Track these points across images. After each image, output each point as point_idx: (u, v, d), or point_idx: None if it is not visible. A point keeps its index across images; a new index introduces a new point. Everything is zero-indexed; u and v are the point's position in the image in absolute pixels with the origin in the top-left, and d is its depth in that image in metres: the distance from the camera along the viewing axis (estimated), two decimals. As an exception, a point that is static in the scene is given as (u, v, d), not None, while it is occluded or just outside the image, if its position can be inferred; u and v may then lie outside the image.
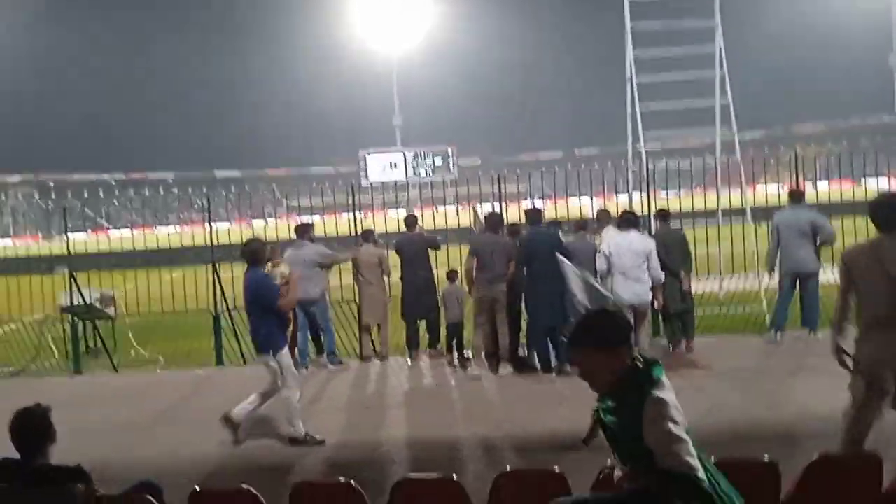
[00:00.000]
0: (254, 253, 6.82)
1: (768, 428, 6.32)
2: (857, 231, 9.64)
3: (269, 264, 7.63)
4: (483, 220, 9.35)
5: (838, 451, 4.61)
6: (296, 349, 9.34)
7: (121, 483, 5.77)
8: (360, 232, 10.55)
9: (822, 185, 18.15)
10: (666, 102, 12.09)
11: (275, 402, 6.79)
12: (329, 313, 9.85)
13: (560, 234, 9.03)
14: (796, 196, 9.38)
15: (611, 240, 8.11)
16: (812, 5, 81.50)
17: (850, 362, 4.56)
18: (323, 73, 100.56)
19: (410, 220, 10.08)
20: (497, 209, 10.64)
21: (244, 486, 3.65)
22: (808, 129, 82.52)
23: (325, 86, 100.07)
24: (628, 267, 7.83)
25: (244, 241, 7.08)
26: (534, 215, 8.86)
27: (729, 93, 12.11)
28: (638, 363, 2.77)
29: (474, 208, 27.12)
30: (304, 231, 9.71)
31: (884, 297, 4.34)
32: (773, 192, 16.35)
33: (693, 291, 9.28)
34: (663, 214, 9.26)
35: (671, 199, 12.10)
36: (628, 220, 8.20)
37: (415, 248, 9.62)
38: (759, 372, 8.05)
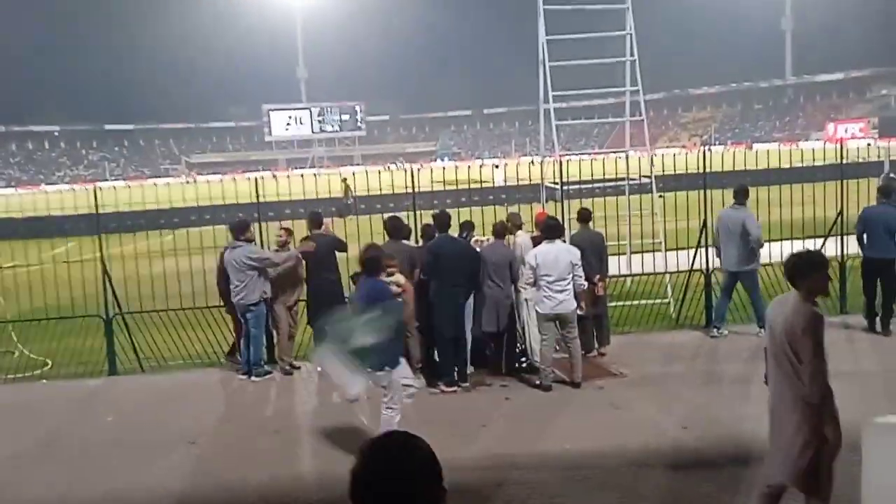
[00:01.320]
0: (372, 262, 6.49)
1: (684, 451, 6.29)
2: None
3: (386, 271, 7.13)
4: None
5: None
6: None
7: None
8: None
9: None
10: (578, 92, 11.91)
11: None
12: (264, 320, 9.00)
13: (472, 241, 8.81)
14: (738, 195, 9.60)
15: (536, 251, 7.91)
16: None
17: None
18: (221, 20, 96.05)
19: (316, 219, 9.48)
20: (406, 170, 10.08)
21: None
22: (704, 92, 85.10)
23: (223, 34, 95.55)
24: (555, 279, 7.68)
25: (361, 248, 6.68)
26: (442, 221, 8.52)
27: (639, 78, 12.04)
28: None
29: (345, 180, 26.37)
30: (239, 230, 8.91)
31: None
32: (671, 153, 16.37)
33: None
34: (584, 216, 9.13)
35: (578, 163, 12.10)
36: (554, 230, 8.00)
37: (322, 249, 9.11)
38: (671, 381, 8.08)
